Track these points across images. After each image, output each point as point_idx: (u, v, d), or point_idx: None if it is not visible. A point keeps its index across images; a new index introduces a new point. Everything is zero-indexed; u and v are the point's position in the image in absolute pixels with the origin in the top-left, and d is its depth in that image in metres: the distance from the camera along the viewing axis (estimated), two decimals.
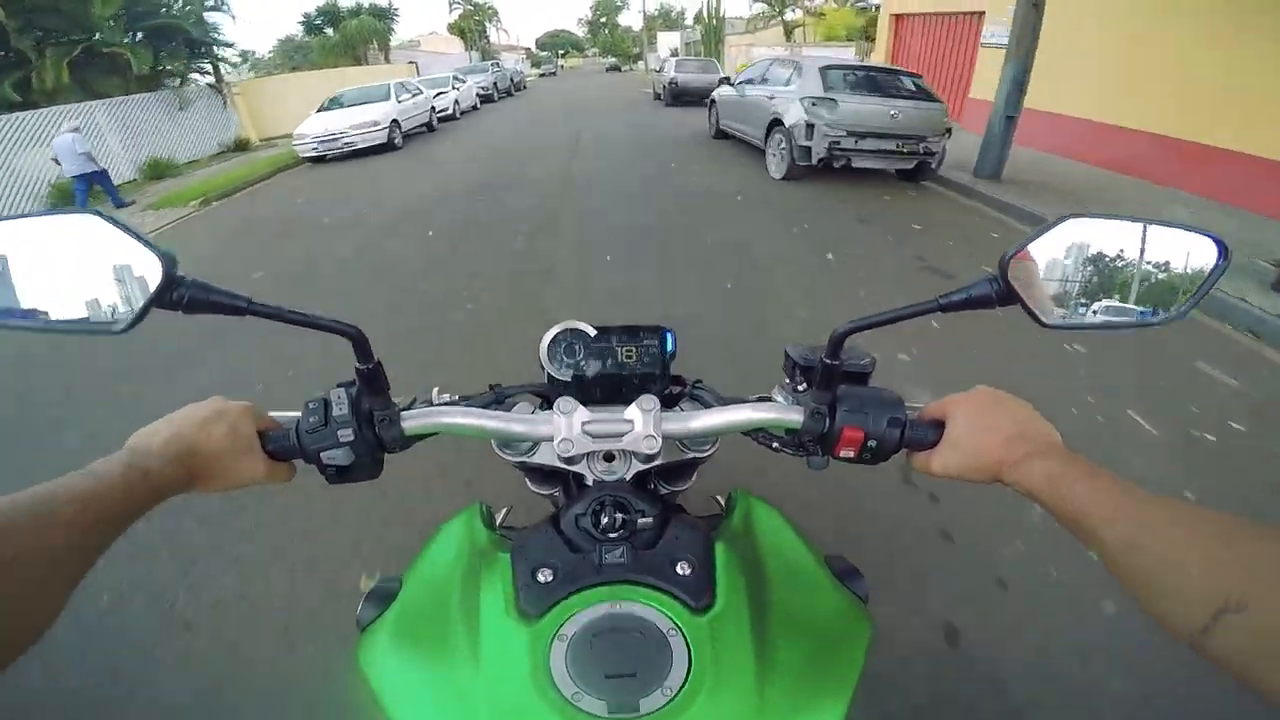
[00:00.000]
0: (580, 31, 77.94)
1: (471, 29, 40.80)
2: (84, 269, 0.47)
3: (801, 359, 0.62)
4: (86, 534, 0.39)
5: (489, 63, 23.33)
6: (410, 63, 26.46)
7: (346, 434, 0.54)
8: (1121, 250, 0.51)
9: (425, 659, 0.51)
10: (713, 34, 25.84)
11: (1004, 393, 0.54)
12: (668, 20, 64.50)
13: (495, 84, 22.30)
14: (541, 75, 52.47)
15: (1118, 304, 0.52)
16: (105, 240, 0.46)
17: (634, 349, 0.71)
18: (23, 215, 0.47)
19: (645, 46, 61.04)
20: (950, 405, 0.54)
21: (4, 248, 0.46)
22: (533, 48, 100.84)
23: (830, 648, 0.52)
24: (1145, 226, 0.51)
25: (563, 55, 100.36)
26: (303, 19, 28.94)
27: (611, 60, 61.35)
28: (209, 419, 0.52)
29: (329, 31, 26.41)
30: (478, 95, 19.05)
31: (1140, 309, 0.52)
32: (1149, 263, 0.51)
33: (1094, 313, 0.53)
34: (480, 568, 0.55)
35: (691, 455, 0.69)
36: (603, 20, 65.79)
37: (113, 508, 0.42)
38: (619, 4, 64.26)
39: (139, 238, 0.45)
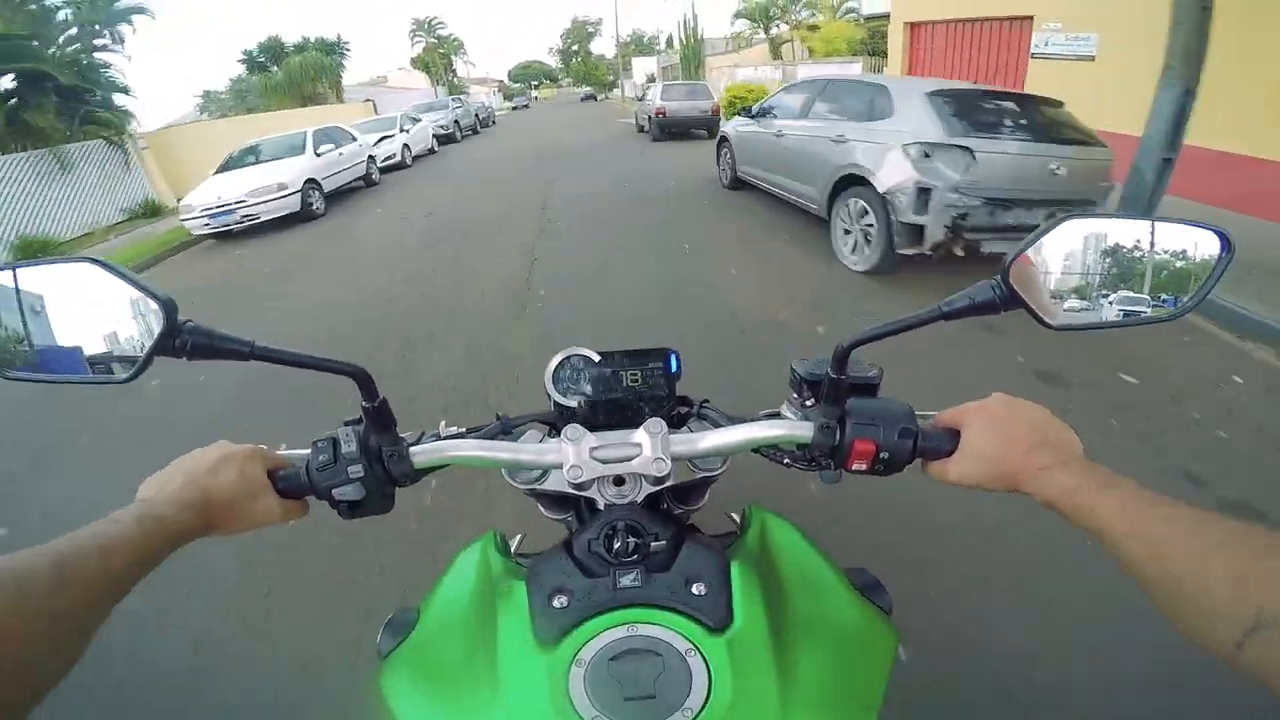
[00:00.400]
0: (553, 61, 75.93)
1: (436, 63, 38.80)
2: (84, 318, 0.46)
3: (807, 374, 0.62)
4: (105, 586, 0.40)
5: (450, 98, 20.69)
6: (367, 101, 24.22)
7: (356, 470, 0.54)
8: (1123, 249, 0.51)
9: (446, 687, 0.51)
10: (692, 56, 23.90)
11: (1021, 400, 0.53)
12: (641, 46, 63.34)
13: (457, 121, 20.08)
14: (514, 108, 50.65)
15: (1122, 301, 0.52)
16: (104, 288, 0.45)
17: (639, 372, 0.71)
18: (19, 264, 0.47)
19: (620, 74, 59.78)
20: (965, 414, 0.54)
21: (3, 299, 0.46)
22: (505, 80, 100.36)
23: (854, 662, 0.51)
24: (1146, 223, 0.51)
25: (536, 86, 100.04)
26: (243, 56, 26.53)
27: (586, 90, 59.73)
28: (217, 464, 0.52)
29: (275, 69, 24.09)
30: (436, 136, 16.75)
31: (1146, 305, 0.52)
32: (1152, 259, 0.51)
33: (1098, 312, 0.52)
34: (496, 595, 0.55)
35: (702, 475, 0.69)
36: (574, 48, 63.68)
37: (131, 558, 0.42)
38: (591, 31, 62.41)
39: (138, 284, 0.45)
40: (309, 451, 0.57)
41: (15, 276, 0.46)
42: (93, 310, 0.46)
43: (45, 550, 0.38)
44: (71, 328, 0.47)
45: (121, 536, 0.42)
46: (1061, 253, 0.51)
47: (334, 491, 0.55)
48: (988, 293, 0.49)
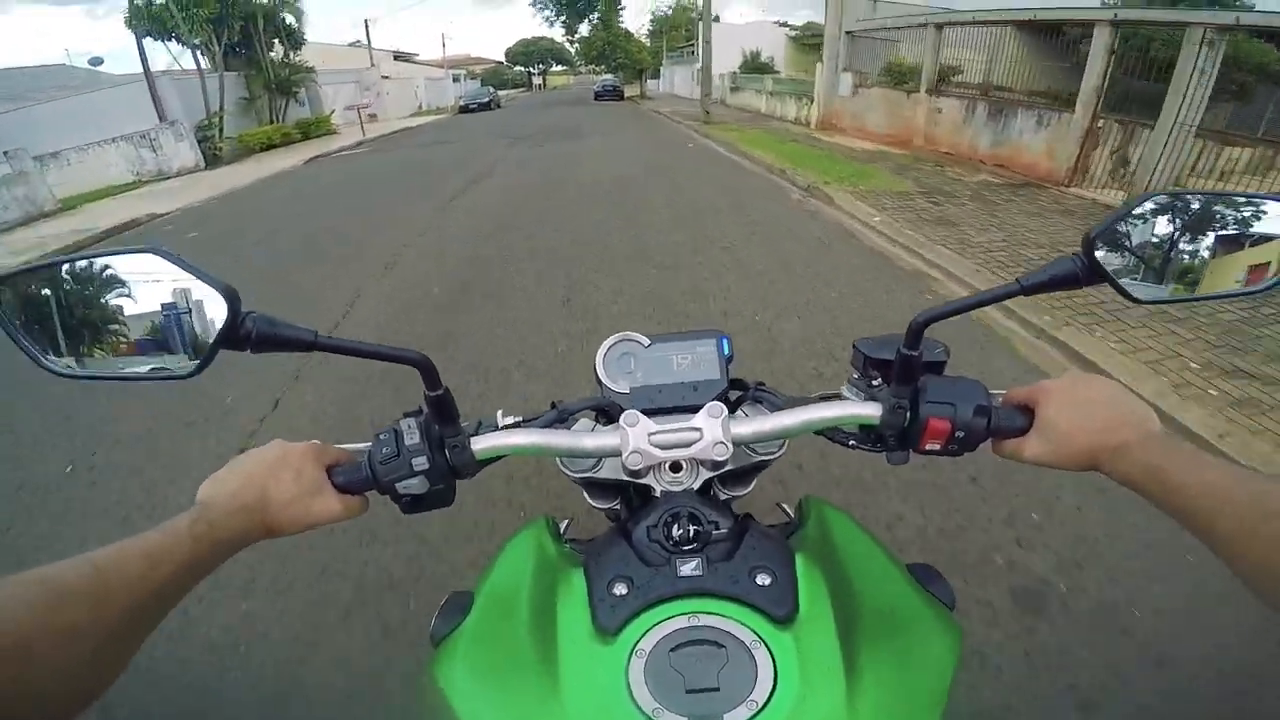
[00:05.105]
0: (548, 27, 45.27)
1: (191, 24, 14.06)
2: (143, 309, 0.45)
3: (873, 352, 0.61)
4: (153, 594, 0.38)
5: None
6: None
7: (421, 462, 0.54)
8: (1208, 223, 0.51)
9: (502, 674, 0.50)
10: None
11: (1096, 376, 0.53)
12: (676, 27, 37.79)
13: None
14: (464, 109, 26.47)
15: (1207, 276, 0.52)
16: (167, 277, 0.44)
17: (690, 355, 0.68)
18: (80, 255, 0.45)
19: (665, 56, 35.04)
20: (1039, 391, 0.53)
21: (62, 290, 0.45)
22: (503, 60, 76.41)
23: (920, 659, 0.50)
24: (1231, 199, 0.52)
25: (541, 71, 75.94)
26: None
27: (606, 79, 34.30)
28: (275, 465, 0.51)
29: None
30: None
31: (1229, 280, 0.52)
32: (1236, 234, 0.51)
33: (1183, 286, 0.52)
34: (554, 582, 0.54)
35: (759, 459, 0.67)
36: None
37: (180, 566, 0.41)
38: None
39: (201, 274, 0.44)
40: (367, 445, 0.56)
41: (72, 268, 0.46)
42: (152, 301, 0.45)
43: (85, 560, 0.36)
44: (130, 320, 0.45)
45: (171, 544, 0.41)
46: (1146, 227, 0.51)
47: (398, 485, 0.54)
48: (1069, 265, 0.49)
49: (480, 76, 48.65)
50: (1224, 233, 0.51)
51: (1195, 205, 0.51)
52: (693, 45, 30.76)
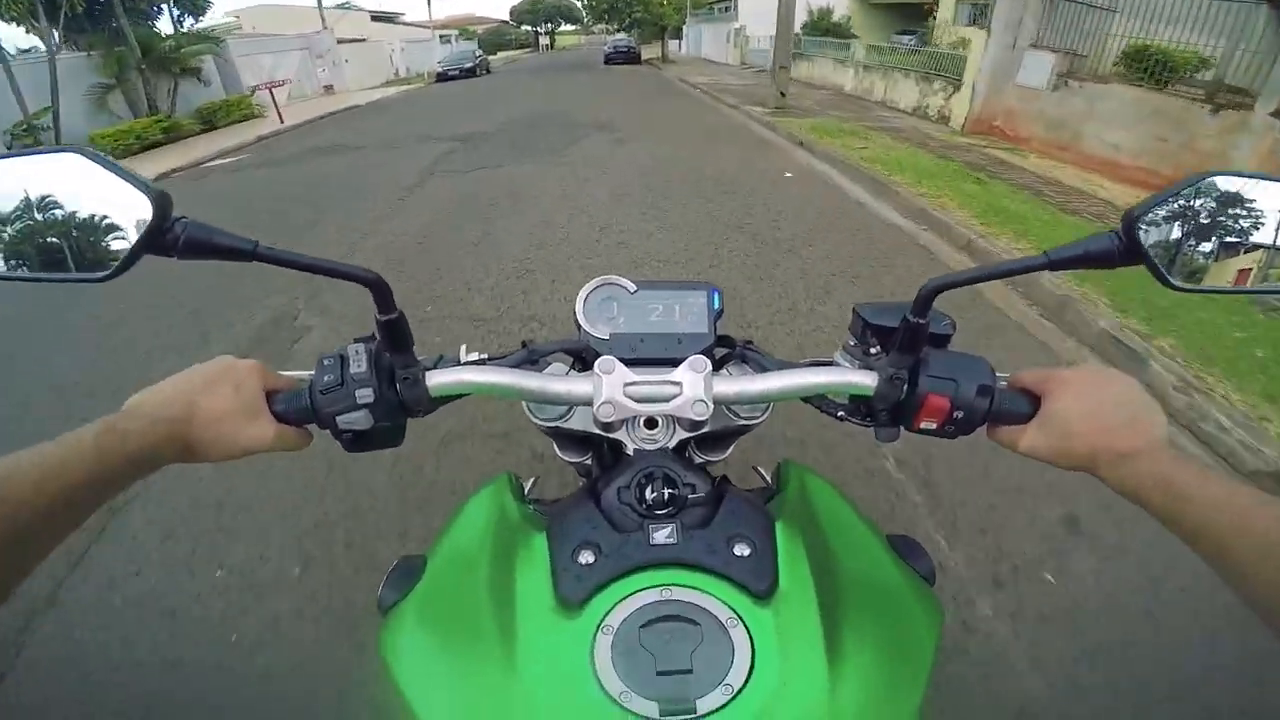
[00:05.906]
0: None
1: None
2: (65, 212, 0.43)
3: (874, 319, 0.55)
4: (42, 514, 0.34)
5: None
6: None
7: (366, 394, 0.49)
8: (1262, 212, 0.47)
9: (454, 648, 0.47)
10: None
11: (1115, 371, 0.49)
12: None
13: None
14: (442, 76, 21.80)
15: (1253, 268, 0.48)
16: (90, 180, 0.42)
17: (677, 305, 0.64)
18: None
19: (690, 14, 29.67)
20: (1050, 380, 0.49)
21: None
22: (507, 19, 70.61)
23: (901, 637, 0.48)
24: None
25: (549, 31, 70.10)
26: None
27: (618, 39, 28.98)
28: (212, 378, 0.47)
29: None
30: None
31: (1278, 274, 0.48)
32: None
33: (1225, 276, 0.49)
34: (513, 547, 0.51)
35: (740, 423, 0.64)
36: None
37: (78, 482, 0.36)
38: None
39: (128, 176, 0.41)
40: (313, 373, 0.50)
41: None
42: (74, 204, 0.42)
43: None
44: (49, 224, 0.43)
45: (68, 458, 0.36)
46: (1194, 210, 0.47)
47: (338, 419, 0.49)
48: (1106, 243, 0.45)
49: (478, 37, 43.20)
50: (1275, 223, 0.46)
51: (1249, 191, 0.47)
52: (726, 1, 25.34)
